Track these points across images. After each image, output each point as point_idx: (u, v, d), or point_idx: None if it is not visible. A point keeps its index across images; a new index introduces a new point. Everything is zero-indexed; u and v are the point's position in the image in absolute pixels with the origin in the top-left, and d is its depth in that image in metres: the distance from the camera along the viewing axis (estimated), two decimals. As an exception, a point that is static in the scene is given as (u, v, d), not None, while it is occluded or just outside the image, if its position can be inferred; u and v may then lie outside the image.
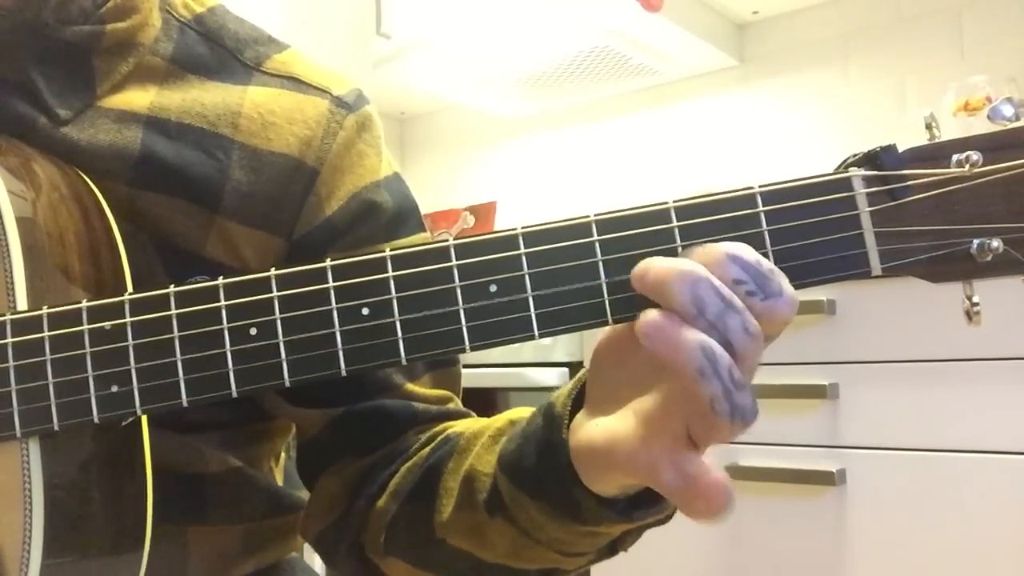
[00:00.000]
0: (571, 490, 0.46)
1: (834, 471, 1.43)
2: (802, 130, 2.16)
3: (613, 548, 0.52)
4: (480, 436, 0.56)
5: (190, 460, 0.64)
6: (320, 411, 0.64)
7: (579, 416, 0.47)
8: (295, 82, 0.66)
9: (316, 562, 1.80)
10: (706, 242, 0.41)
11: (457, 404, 0.68)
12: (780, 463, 1.49)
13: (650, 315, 0.39)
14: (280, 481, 0.73)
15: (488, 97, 2.44)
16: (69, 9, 0.60)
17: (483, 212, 2.65)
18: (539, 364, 1.84)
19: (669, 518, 0.49)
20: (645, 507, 0.47)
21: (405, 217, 0.68)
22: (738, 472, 1.52)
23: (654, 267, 0.40)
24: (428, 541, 0.57)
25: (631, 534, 0.51)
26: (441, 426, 0.64)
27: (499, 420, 0.56)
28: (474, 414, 0.67)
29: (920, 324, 1.38)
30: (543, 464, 0.48)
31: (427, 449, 0.61)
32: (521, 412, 0.54)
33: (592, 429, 0.45)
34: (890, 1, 2.05)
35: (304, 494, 0.74)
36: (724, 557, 1.56)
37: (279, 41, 0.70)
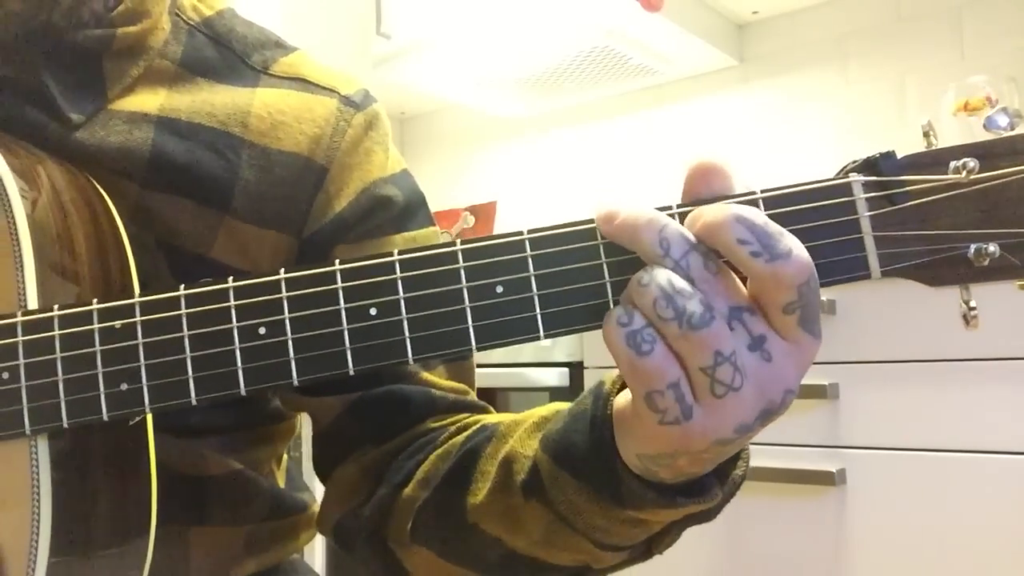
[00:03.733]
0: (613, 466, 0.46)
1: (834, 471, 1.44)
2: (802, 130, 2.16)
3: (648, 549, 0.52)
4: (522, 423, 0.56)
5: (192, 463, 0.64)
6: (336, 397, 0.64)
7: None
8: (303, 83, 0.67)
9: (316, 563, 1.80)
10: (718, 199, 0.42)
11: (473, 397, 0.67)
12: (780, 463, 1.49)
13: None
14: (282, 483, 0.73)
15: (488, 97, 2.44)
16: (80, 12, 0.61)
17: (483, 212, 2.65)
18: (539, 364, 1.84)
19: (713, 514, 0.49)
20: (687, 494, 0.46)
21: (414, 210, 0.68)
22: (738, 471, 1.53)
23: (623, 212, 0.41)
24: (459, 527, 0.56)
25: (670, 533, 0.51)
26: (472, 417, 0.64)
27: (543, 410, 0.55)
28: (492, 409, 0.66)
29: (920, 324, 1.39)
30: (588, 441, 0.47)
31: (462, 436, 0.60)
32: (565, 405, 0.54)
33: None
34: (890, 1, 2.05)
35: (306, 496, 0.74)
36: (724, 557, 1.56)
37: (287, 44, 0.70)
